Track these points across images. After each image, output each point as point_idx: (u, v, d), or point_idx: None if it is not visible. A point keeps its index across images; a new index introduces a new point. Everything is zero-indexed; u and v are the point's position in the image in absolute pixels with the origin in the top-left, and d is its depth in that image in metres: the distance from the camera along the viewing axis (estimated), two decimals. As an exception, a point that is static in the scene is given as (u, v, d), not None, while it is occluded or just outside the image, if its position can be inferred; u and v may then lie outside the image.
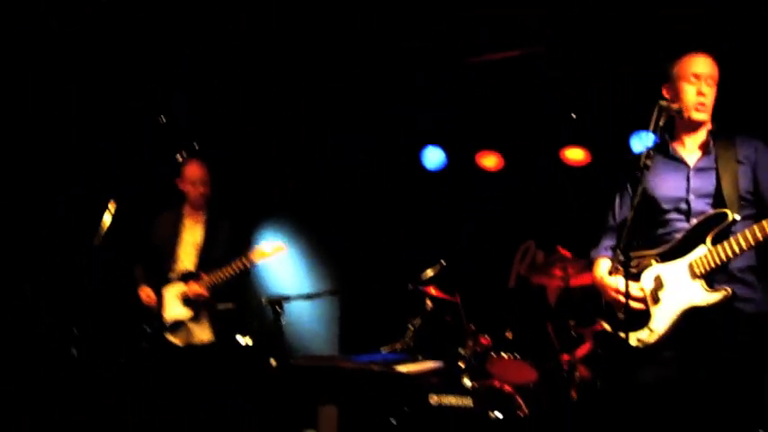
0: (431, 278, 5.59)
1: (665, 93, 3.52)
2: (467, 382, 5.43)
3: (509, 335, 5.79)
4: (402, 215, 7.79)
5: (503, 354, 5.61)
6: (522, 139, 7.08)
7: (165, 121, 6.12)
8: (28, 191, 6.10)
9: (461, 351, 5.62)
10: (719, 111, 3.55)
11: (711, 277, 3.23)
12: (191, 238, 5.39)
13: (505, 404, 5.23)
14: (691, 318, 3.25)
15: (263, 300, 4.15)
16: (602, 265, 3.60)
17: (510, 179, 7.30)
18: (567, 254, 5.56)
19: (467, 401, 5.17)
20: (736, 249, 3.17)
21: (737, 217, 3.23)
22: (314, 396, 6.85)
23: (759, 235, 3.12)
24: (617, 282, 3.39)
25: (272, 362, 4.01)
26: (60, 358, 5.11)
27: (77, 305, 4.74)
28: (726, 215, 3.23)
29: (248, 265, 5.10)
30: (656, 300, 3.35)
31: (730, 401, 3.18)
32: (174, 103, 6.25)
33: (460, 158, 7.39)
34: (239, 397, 6.37)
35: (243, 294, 7.40)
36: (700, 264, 3.24)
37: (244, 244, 5.34)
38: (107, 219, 4.78)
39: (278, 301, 4.01)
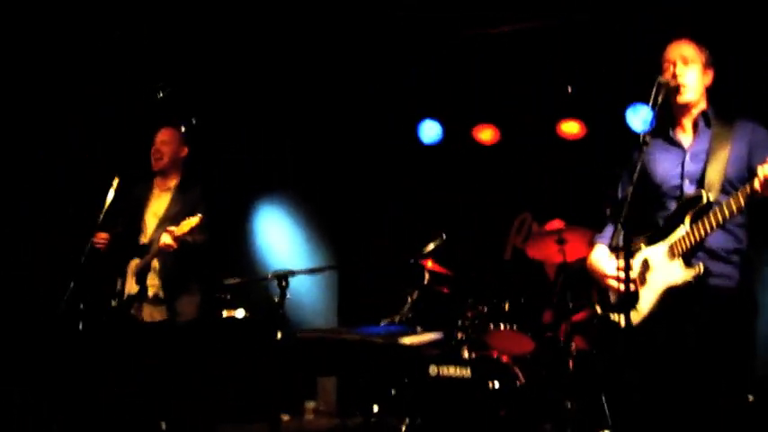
0: (431, 251, 5.62)
1: None
2: (465, 353, 5.50)
3: (506, 306, 5.86)
4: (399, 189, 7.84)
5: (500, 325, 5.69)
6: (518, 113, 7.12)
7: (163, 95, 6.06)
8: (30, 166, 6.09)
9: (460, 323, 5.69)
10: (720, 94, 3.53)
11: (690, 256, 3.30)
12: (155, 208, 5.05)
13: (503, 375, 5.30)
14: (671, 296, 3.33)
15: (270, 275, 4.17)
16: (598, 251, 3.67)
17: (506, 152, 7.36)
18: (561, 224, 5.62)
19: (465, 372, 5.24)
20: (708, 228, 3.22)
21: (711, 198, 3.27)
22: (313, 368, 6.96)
23: (726, 212, 3.16)
24: (607, 268, 3.52)
25: (279, 335, 4.07)
26: (67, 335, 5.06)
27: (80, 281, 4.67)
28: (701, 197, 3.29)
29: (171, 242, 4.61)
30: (643, 281, 3.44)
31: (713, 374, 3.25)
32: (173, 77, 6.23)
33: (457, 132, 7.43)
34: (232, 372, 6.39)
35: (247, 268, 7.47)
36: (679, 244, 3.32)
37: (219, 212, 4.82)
38: (110, 195, 4.76)
39: (284, 276, 4.05)
